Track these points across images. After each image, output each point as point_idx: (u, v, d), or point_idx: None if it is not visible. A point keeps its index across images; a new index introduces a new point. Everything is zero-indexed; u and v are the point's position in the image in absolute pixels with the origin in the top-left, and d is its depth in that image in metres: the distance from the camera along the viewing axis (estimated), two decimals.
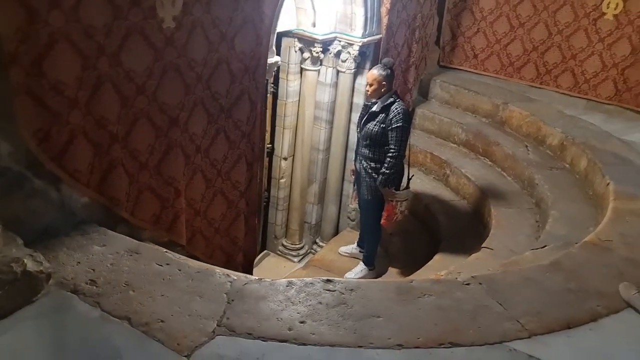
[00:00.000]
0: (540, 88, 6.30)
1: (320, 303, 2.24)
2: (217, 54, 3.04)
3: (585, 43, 5.92)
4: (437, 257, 4.37)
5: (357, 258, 4.84)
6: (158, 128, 2.81)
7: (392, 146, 3.97)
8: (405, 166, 4.28)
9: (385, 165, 4.02)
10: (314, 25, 4.55)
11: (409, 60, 5.55)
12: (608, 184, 4.05)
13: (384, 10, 4.75)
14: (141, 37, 2.55)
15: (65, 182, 2.48)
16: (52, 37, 2.18)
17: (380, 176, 4.07)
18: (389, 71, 3.99)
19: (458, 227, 4.87)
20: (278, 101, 4.92)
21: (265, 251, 5.55)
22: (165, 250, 2.56)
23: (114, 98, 2.53)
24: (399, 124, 3.93)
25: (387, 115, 3.96)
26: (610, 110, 5.89)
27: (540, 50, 6.20)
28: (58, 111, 2.30)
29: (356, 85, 5.04)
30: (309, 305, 2.22)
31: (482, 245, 4.08)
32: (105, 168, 2.61)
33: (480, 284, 2.51)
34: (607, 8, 5.69)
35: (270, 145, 5.07)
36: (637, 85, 5.79)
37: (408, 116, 4.06)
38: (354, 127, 4.95)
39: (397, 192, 4.19)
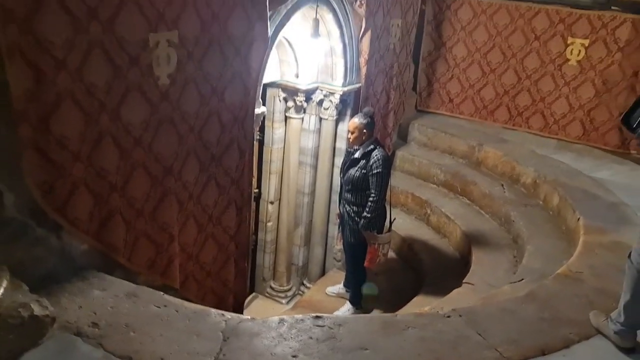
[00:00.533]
0: (513, 129, 6.63)
1: (311, 338, 2.38)
2: (209, 107, 3.26)
3: (552, 87, 6.30)
4: (421, 293, 4.53)
5: (344, 298, 4.97)
6: (154, 177, 2.99)
7: (372, 191, 4.17)
8: (388, 209, 4.46)
9: (367, 209, 4.20)
10: (297, 76, 4.82)
11: (388, 106, 5.84)
12: (579, 219, 4.29)
13: (362, 60, 5.05)
14: (139, 93, 2.75)
15: (66, 230, 2.62)
16: (59, 96, 2.37)
17: (362, 220, 4.24)
18: (369, 120, 4.22)
19: (440, 265, 5.05)
20: (264, 147, 5.13)
21: (253, 293, 5.65)
22: (162, 292, 2.69)
23: (113, 150, 2.71)
24: (378, 170, 4.13)
25: (368, 161, 4.17)
26: (579, 149, 6.21)
27: (511, 94, 6.56)
28: (62, 164, 2.47)
29: (338, 131, 5.28)
30: (300, 340, 2.36)
31: (464, 281, 4.25)
32: (104, 216, 2.75)
33: (460, 315, 2.68)
34: (571, 55, 6.09)
35: (257, 190, 5.25)
36: (602, 125, 6.15)
37: (387, 162, 4.27)
38: (337, 171, 5.17)
39: (379, 235, 4.35)
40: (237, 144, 3.62)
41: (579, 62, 6.08)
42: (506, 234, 5.05)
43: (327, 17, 4.49)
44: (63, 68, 2.35)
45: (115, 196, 2.77)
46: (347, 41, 4.78)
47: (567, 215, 4.60)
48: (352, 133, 4.24)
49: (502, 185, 5.63)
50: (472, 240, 4.94)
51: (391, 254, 4.81)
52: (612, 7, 5.86)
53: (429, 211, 5.73)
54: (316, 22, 4.18)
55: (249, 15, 3.37)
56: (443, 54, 6.81)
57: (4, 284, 2.21)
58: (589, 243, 3.83)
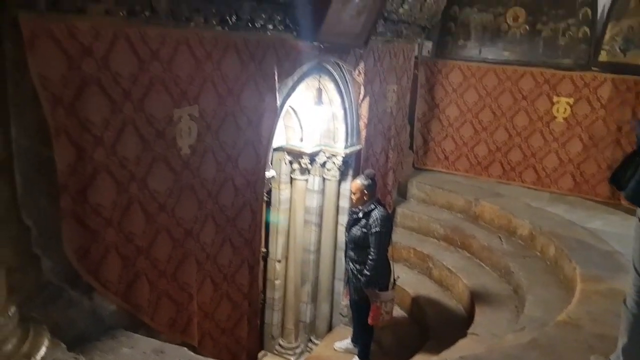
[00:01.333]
0: (507, 184, 6.92)
1: None
2: (224, 173, 3.53)
3: (542, 143, 6.65)
4: (426, 346, 4.66)
5: (352, 353, 5.07)
6: (176, 240, 3.21)
7: (371, 249, 4.37)
8: (392, 266, 4.63)
9: (367, 267, 4.39)
10: (301, 140, 5.13)
11: (387, 166, 6.14)
12: (575, 268, 4.49)
13: (362, 124, 5.39)
14: (164, 163, 3.02)
15: (97, 292, 2.82)
16: (95, 169, 2.63)
17: (363, 277, 4.43)
18: (370, 181, 4.49)
19: (444, 317, 5.19)
20: (271, 208, 5.37)
21: (263, 351, 5.73)
22: (186, 349, 2.86)
23: (140, 216, 2.95)
24: (377, 229, 4.35)
25: (368, 220, 4.40)
26: (572, 200, 6.48)
27: (503, 150, 6.90)
28: (96, 230, 2.69)
29: (341, 190, 5.54)
30: None
31: (468, 332, 4.40)
32: (131, 278, 2.96)
33: None
34: (557, 112, 6.48)
35: (265, 249, 5.45)
36: (592, 177, 6.45)
37: (387, 221, 4.47)
38: (341, 229, 5.39)
39: (382, 292, 4.50)
40: (249, 206, 3.87)
41: (565, 119, 6.45)
42: (507, 285, 5.23)
43: (329, 86, 4.84)
44: (100, 144, 2.62)
45: (141, 258, 2.99)
46: (347, 107, 5.12)
47: (564, 265, 4.80)
48: (355, 194, 4.50)
49: (500, 237, 5.85)
50: (474, 292, 5.11)
51: (396, 310, 4.96)
52: (592, 68, 6.28)
53: (431, 265, 5.92)
54: (319, 91, 4.53)
55: (260, 88, 3.70)
56: (437, 114, 7.20)
57: (46, 343, 2.39)
58: (586, 291, 4.02)
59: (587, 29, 6.11)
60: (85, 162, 2.57)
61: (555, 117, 6.51)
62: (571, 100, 6.38)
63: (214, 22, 3.18)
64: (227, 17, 3.25)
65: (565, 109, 6.42)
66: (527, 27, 6.43)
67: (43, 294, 2.64)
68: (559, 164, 6.60)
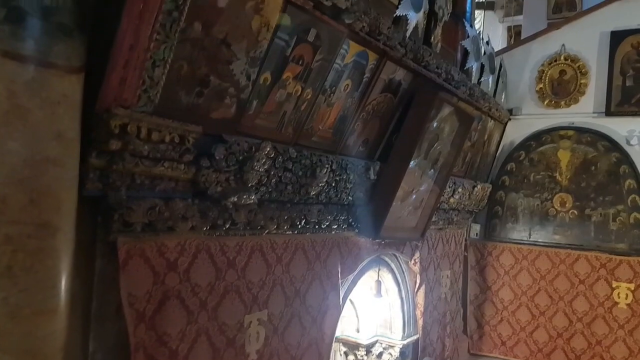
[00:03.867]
0: None
1: None
2: None
3: (606, 330, 6.28)
4: None
5: None
6: None
7: None
8: None
9: None
10: (357, 330, 5.00)
11: (443, 354, 5.85)
12: None
13: (418, 312, 5.26)
14: (236, 294, 2.94)
15: None
16: (165, 295, 2.53)
17: None
18: None
19: None
20: None
21: None
22: None
23: (207, 350, 2.78)
24: None
25: None
26: None
27: (564, 337, 6.52)
28: None
29: None
30: None
31: None
32: None
33: None
34: (619, 298, 6.21)
35: None
36: None
37: None
38: None
39: None
40: None
41: (628, 305, 6.16)
42: None
43: (387, 277, 4.85)
44: (173, 269, 2.57)
45: None
46: (404, 296, 5.06)
47: None
48: None
49: None
50: None
51: None
52: None
53: None
54: (379, 283, 4.52)
55: (325, 287, 3.71)
56: (490, 297, 6.99)
57: None
58: None
59: (638, 215, 6.11)
60: (157, 286, 2.49)
61: (617, 303, 6.23)
62: (632, 286, 6.14)
63: (285, 227, 3.31)
64: (297, 222, 3.40)
65: (627, 294, 6.16)
66: (576, 212, 6.48)
67: None
68: (629, 354, 6.15)
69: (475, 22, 8.87)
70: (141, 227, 2.39)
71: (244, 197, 2.81)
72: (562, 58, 6.60)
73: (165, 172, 2.41)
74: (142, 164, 2.29)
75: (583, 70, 6.50)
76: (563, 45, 6.61)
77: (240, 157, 2.72)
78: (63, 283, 1.98)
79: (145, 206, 2.37)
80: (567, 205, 6.55)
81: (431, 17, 4.32)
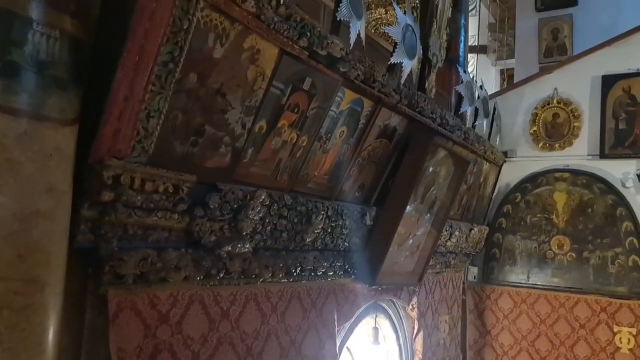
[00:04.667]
0: None
1: None
2: None
3: None
4: None
5: None
6: None
7: None
8: None
9: None
10: None
11: None
12: None
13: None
14: (229, 346, 2.84)
15: None
16: (156, 348, 2.45)
17: None
18: None
19: None
20: None
21: None
22: None
23: None
24: None
25: None
26: None
27: None
28: None
29: None
30: None
31: None
32: None
33: None
34: (621, 343, 6.09)
35: None
36: None
37: None
38: None
39: None
40: None
41: (631, 350, 6.04)
42: None
43: (384, 324, 4.75)
44: (165, 321, 2.50)
45: None
46: (402, 343, 4.95)
47: None
48: None
49: None
50: None
51: None
52: None
53: None
54: (376, 330, 4.43)
55: (321, 335, 3.62)
56: (489, 341, 6.85)
57: None
58: None
59: (636, 258, 6.07)
60: (147, 339, 2.42)
61: (619, 348, 6.10)
62: (634, 330, 6.03)
63: (280, 276, 3.25)
64: (293, 269, 3.34)
65: (629, 339, 6.04)
66: (574, 255, 6.43)
67: None
68: None
69: (469, 64, 9.04)
70: (133, 278, 2.34)
71: (239, 246, 2.77)
72: (554, 101, 6.68)
73: (158, 222, 2.37)
74: (135, 215, 2.26)
75: (576, 114, 6.56)
76: (555, 89, 6.70)
77: (235, 206, 2.69)
78: (50, 339, 1.92)
79: (137, 257, 2.33)
80: (564, 247, 6.50)
81: (425, 63, 4.38)
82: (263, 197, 2.80)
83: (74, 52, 1.90)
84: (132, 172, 2.17)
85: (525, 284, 6.70)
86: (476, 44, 10.01)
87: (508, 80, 11.29)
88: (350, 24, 3.10)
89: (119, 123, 2.05)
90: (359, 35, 3.15)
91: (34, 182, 1.76)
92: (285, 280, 3.31)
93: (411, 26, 3.81)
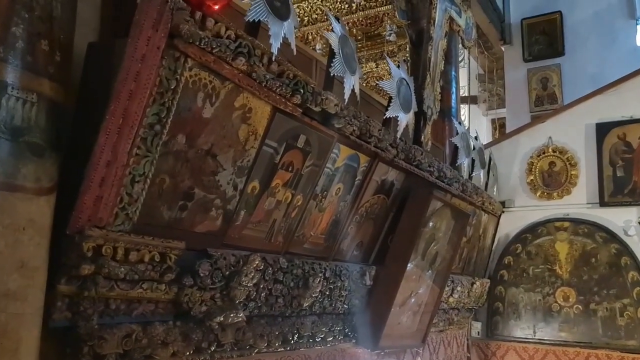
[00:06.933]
0: None
1: None
2: None
3: None
4: None
5: None
6: None
7: None
8: None
9: None
10: None
11: None
12: None
13: None
14: None
15: None
16: None
17: None
18: None
19: None
20: None
21: None
22: None
23: None
24: None
25: None
26: None
27: None
28: None
29: None
30: None
31: None
32: None
33: None
34: None
35: None
36: None
37: None
38: None
39: None
40: None
41: None
42: None
43: None
44: None
45: None
46: None
47: None
48: None
49: None
50: None
51: None
52: None
53: None
54: None
55: None
56: None
57: None
58: None
59: None
60: None
61: None
62: None
63: (277, 344, 3.03)
64: (290, 337, 3.13)
65: None
66: (581, 307, 6.20)
67: None
68: None
69: (461, 114, 9.05)
70: (115, 358, 2.13)
71: (232, 315, 2.57)
72: (550, 150, 6.62)
73: (143, 294, 2.19)
74: (118, 288, 2.08)
75: (572, 162, 6.50)
76: (550, 137, 6.66)
77: (227, 272, 2.51)
78: None
79: (120, 334, 2.13)
80: (570, 299, 6.28)
81: (420, 116, 4.31)
82: (257, 261, 2.64)
83: (52, 117, 1.78)
84: (115, 241, 2.01)
85: (532, 339, 6.43)
86: (467, 95, 10.05)
87: (500, 129, 11.30)
88: (345, 79, 3.02)
89: (100, 190, 1.91)
90: (353, 90, 3.07)
91: (2, 260, 1.59)
92: (282, 349, 3.10)
93: (405, 80, 3.76)
